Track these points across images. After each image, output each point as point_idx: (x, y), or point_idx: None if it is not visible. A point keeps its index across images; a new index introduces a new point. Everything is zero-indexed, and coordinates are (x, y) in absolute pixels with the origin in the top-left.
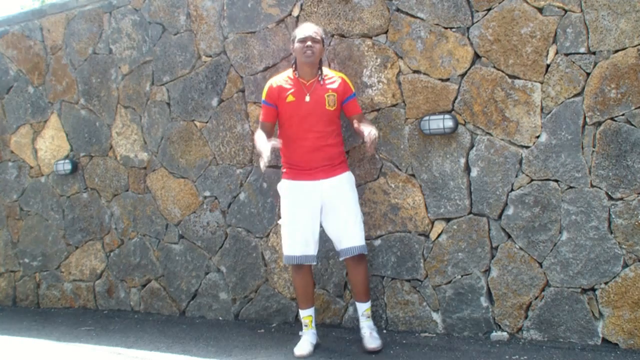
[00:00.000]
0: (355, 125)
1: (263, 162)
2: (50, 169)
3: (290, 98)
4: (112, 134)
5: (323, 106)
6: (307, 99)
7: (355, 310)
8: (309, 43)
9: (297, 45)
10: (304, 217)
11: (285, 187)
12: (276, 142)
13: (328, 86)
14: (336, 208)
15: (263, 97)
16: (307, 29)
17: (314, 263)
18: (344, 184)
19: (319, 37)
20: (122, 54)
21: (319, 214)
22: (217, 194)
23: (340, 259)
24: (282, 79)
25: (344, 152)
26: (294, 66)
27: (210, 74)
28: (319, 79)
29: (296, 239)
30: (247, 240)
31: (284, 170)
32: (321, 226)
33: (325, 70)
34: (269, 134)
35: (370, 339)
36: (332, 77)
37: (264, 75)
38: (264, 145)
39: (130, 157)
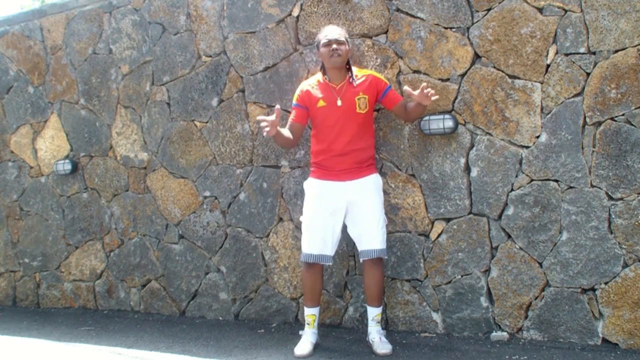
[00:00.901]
0: (411, 110)
1: (268, 121)
2: (50, 169)
3: (321, 103)
4: (112, 134)
5: (354, 110)
6: (339, 103)
7: (356, 310)
8: (334, 46)
9: (322, 50)
10: (325, 217)
11: (311, 186)
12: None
13: (358, 88)
14: (360, 209)
15: (294, 101)
16: (331, 32)
17: (330, 263)
18: (369, 185)
19: (343, 39)
20: (122, 54)
21: (342, 215)
22: (217, 194)
23: (360, 260)
24: (312, 83)
25: (374, 155)
26: (322, 70)
27: (210, 74)
28: (350, 80)
29: (315, 238)
30: (247, 240)
31: (312, 168)
32: (345, 227)
33: (355, 70)
34: (297, 135)
35: (381, 344)
36: (363, 76)
37: (264, 75)
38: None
39: (130, 157)
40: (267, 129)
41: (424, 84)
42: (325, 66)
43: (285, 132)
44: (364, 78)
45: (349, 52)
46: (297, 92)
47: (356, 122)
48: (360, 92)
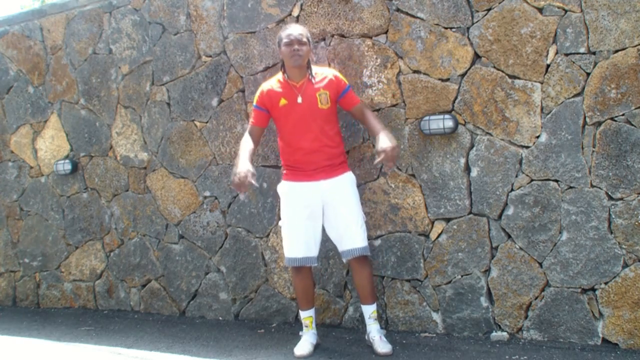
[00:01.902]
0: (368, 123)
1: (238, 179)
2: (50, 169)
3: (282, 102)
4: (112, 134)
5: (315, 105)
6: (299, 100)
7: (355, 310)
8: (295, 46)
9: (283, 48)
10: (304, 219)
11: (285, 189)
12: (252, 170)
13: (318, 85)
14: (336, 209)
15: (254, 102)
16: (293, 32)
17: (315, 264)
18: (344, 184)
19: (305, 39)
20: (122, 54)
21: (320, 215)
22: (217, 194)
23: (344, 260)
24: (273, 83)
25: (344, 152)
26: (282, 69)
27: (210, 74)
28: (309, 77)
29: (297, 241)
30: (247, 240)
31: (284, 171)
32: (323, 227)
33: (315, 68)
34: (256, 140)
35: (381, 343)
36: (323, 74)
37: (264, 75)
38: (243, 162)
39: (130, 157)
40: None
41: (393, 150)
42: (286, 65)
43: (249, 154)
44: (324, 75)
45: (310, 52)
46: (257, 93)
47: (319, 117)
48: (321, 88)
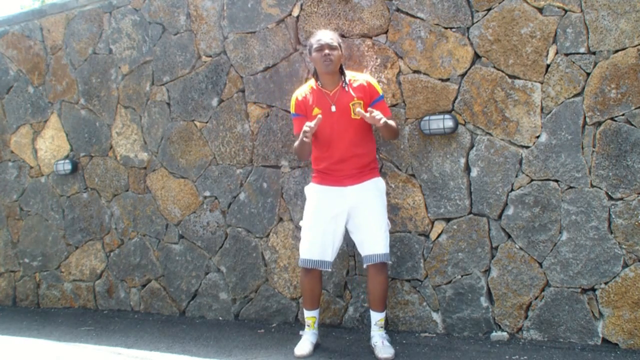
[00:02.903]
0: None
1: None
2: (50, 169)
3: (316, 111)
4: (112, 134)
5: (349, 115)
6: (333, 109)
7: (355, 310)
8: (326, 51)
9: (314, 54)
10: (326, 223)
11: (312, 191)
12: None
13: (352, 93)
14: (361, 214)
15: (292, 111)
16: (323, 37)
17: (329, 270)
18: (370, 190)
19: (335, 44)
20: (122, 54)
21: (343, 220)
22: (217, 194)
23: (364, 266)
24: (306, 91)
25: (375, 159)
26: (315, 76)
27: (210, 74)
28: (343, 85)
29: (315, 243)
30: (247, 240)
31: (314, 174)
32: (347, 231)
33: (349, 74)
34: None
35: (383, 348)
36: (357, 80)
37: (263, 75)
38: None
39: (130, 157)
40: (309, 134)
41: (374, 112)
42: (318, 71)
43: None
44: (358, 83)
45: (342, 57)
46: (293, 101)
47: (352, 127)
48: (355, 97)
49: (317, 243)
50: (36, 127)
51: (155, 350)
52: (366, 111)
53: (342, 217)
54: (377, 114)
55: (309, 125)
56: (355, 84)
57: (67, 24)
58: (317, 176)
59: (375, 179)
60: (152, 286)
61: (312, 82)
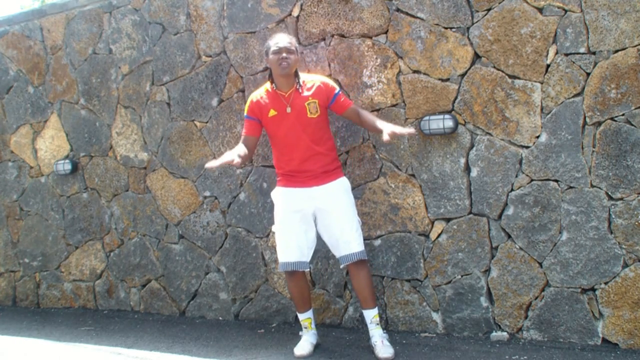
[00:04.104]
0: (365, 121)
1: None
2: (50, 169)
3: (272, 112)
4: (112, 134)
5: (305, 115)
6: (288, 110)
7: (355, 310)
8: (284, 55)
9: (271, 57)
10: (297, 224)
11: (279, 195)
12: (237, 159)
13: (307, 93)
14: (330, 215)
15: (245, 112)
16: (281, 40)
17: (307, 269)
18: (336, 190)
19: (293, 48)
20: (122, 54)
21: (311, 221)
22: (217, 194)
23: (341, 266)
24: (261, 93)
25: (337, 157)
26: (270, 78)
27: (210, 74)
28: (297, 87)
29: (290, 246)
30: (247, 240)
31: (278, 178)
32: (318, 234)
33: (303, 76)
34: (251, 149)
35: (383, 347)
36: (311, 82)
37: (263, 75)
38: (227, 154)
39: (130, 157)
40: (235, 163)
41: (397, 130)
42: (274, 74)
43: (243, 152)
44: (312, 83)
45: (298, 61)
46: (247, 103)
47: (310, 126)
48: (310, 97)
49: (292, 245)
50: (36, 127)
51: (155, 350)
52: (324, 109)
53: (310, 218)
54: (396, 129)
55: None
56: (309, 85)
57: (67, 24)
58: (282, 179)
59: (339, 179)
60: (152, 286)
61: (267, 85)
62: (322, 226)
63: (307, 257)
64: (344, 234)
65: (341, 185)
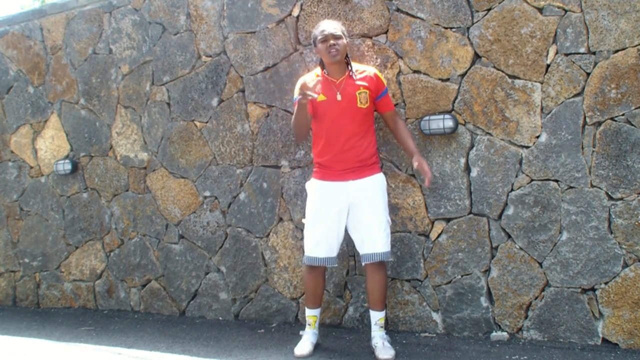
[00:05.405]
0: (400, 135)
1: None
2: (50, 169)
3: (321, 97)
4: (112, 134)
5: (355, 104)
6: (339, 97)
7: (355, 310)
8: (332, 42)
9: (319, 45)
10: (330, 220)
11: (314, 187)
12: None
13: (359, 82)
14: (362, 211)
15: (295, 95)
16: (327, 27)
17: (335, 265)
18: (372, 186)
19: (340, 33)
20: (122, 54)
21: (345, 216)
22: (217, 194)
23: (363, 264)
24: (312, 77)
25: (376, 152)
26: (321, 65)
27: (210, 74)
28: (350, 74)
29: (320, 241)
30: (247, 240)
31: (315, 169)
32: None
33: (355, 65)
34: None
35: (384, 349)
36: (363, 71)
37: (264, 75)
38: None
39: (130, 157)
40: (309, 97)
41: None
42: (324, 62)
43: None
44: (365, 73)
45: (347, 46)
46: (298, 85)
47: (357, 117)
48: (361, 86)
49: (322, 241)
50: (36, 127)
51: (155, 350)
52: (371, 102)
53: (344, 212)
54: (424, 167)
55: (309, 88)
56: (362, 75)
57: (67, 24)
58: (318, 170)
59: (377, 174)
60: (152, 286)
61: (317, 71)
62: (352, 221)
63: (335, 252)
64: (372, 232)
65: (377, 182)
